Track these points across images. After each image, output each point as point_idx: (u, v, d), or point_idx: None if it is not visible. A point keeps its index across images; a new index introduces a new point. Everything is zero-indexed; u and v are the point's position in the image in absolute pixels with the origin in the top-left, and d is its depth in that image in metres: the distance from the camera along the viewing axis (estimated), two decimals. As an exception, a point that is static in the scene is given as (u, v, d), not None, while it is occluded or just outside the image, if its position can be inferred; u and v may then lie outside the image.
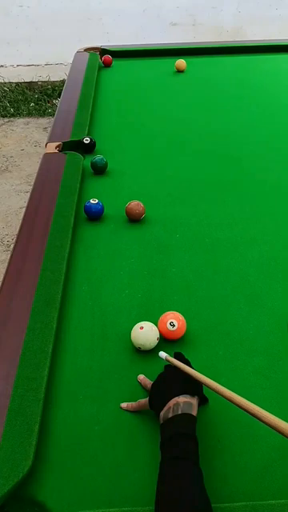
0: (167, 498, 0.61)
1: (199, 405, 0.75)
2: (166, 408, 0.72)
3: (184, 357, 0.83)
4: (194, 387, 0.75)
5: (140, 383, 0.84)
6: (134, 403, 0.80)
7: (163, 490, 0.62)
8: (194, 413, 0.72)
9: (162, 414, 0.73)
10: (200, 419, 0.73)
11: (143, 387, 0.83)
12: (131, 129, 1.81)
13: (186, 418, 0.70)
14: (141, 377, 0.84)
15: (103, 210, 1.29)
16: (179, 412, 0.70)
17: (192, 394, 0.74)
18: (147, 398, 0.77)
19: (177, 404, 0.71)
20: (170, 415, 0.71)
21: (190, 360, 0.82)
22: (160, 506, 0.61)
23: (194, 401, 0.73)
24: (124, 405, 0.80)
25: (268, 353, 0.89)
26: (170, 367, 0.81)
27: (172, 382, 0.76)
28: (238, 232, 1.23)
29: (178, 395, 0.73)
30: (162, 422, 0.72)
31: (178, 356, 0.83)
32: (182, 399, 0.72)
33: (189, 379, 0.74)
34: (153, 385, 0.78)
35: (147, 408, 0.77)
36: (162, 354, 0.82)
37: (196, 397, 0.74)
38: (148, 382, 0.81)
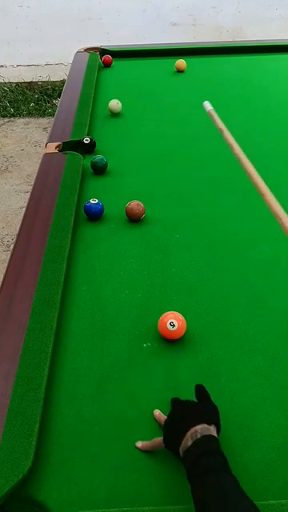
0: None
1: (218, 433, 0.70)
2: (183, 440, 0.67)
3: (205, 389, 0.78)
4: (208, 416, 0.70)
5: (155, 420, 0.78)
6: (148, 442, 0.74)
7: None
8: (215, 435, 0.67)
9: (180, 448, 0.67)
10: (200, 419, 0.73)
11: (157, 423, 0.77)
12: (131, 129, 1.81)
13: (207, 439, 0.65)
14: (156, 413, 0.78)
15: (103, 209, 1.29)
16: (198, 436, 0.66)
17: (208, 423, 0.69)
18: (162, 438, 0.72)
19: (195, 432, 0.66)
20: (190, 443, 0.65)
21: (190, 360, 0.81)
22: None
23: (212, 427, 0.68)
24: (139, 444, 0.74)
25: (268, 353, 0.89)
26: (177, 401, 0.76)
27: (184, 416, 0.71)
28: (238, 232, 1.23)
29: (193, 426, 0.67)
30: (182, 454, 0.66)
31: (200, 389, 0.78)
32: (198, 427, 0.67)
33: (202, 409, 0.71)
34: (164, 426, 0.73)
35: (163, 447, 0.71)
36: (207, 106, 0.66)
37: (213, 425, 0.69)
38: (163, 419, 0.75)
